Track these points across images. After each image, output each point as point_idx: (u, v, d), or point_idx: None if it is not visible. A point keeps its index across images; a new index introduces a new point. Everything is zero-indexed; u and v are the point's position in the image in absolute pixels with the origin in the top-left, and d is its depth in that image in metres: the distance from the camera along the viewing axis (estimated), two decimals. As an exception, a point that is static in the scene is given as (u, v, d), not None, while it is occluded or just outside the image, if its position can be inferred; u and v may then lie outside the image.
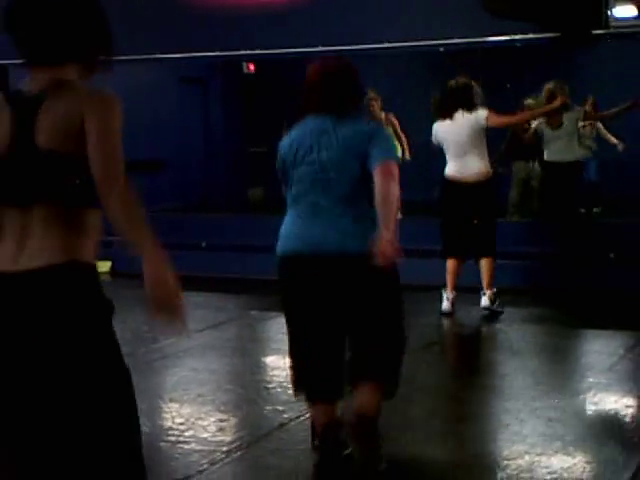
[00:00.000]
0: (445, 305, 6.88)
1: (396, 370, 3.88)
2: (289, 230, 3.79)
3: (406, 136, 10.41)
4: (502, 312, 6.86)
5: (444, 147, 6.84)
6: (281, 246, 3.80)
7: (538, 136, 9.35)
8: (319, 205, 3.72)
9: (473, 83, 6.85)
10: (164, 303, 2.41)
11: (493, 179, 6.91)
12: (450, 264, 6.91)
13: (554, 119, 8.70)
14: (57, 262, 2.35)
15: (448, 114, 6.76)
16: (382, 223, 3.54)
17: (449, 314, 6.87)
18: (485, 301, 6.87)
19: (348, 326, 3.80)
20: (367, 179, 3.64)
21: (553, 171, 8.93)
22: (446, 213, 6.94)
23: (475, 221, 6.83)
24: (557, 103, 7.65)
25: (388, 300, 3.79)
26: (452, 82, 6.85)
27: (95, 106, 2.36)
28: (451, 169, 6.81)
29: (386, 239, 3.47)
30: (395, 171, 3.62)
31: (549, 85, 8.60)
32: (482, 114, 6.69)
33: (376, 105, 10.07)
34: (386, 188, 3.56)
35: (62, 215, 2.37)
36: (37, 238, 2.35)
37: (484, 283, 6.87)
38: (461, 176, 6.75)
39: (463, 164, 6.74)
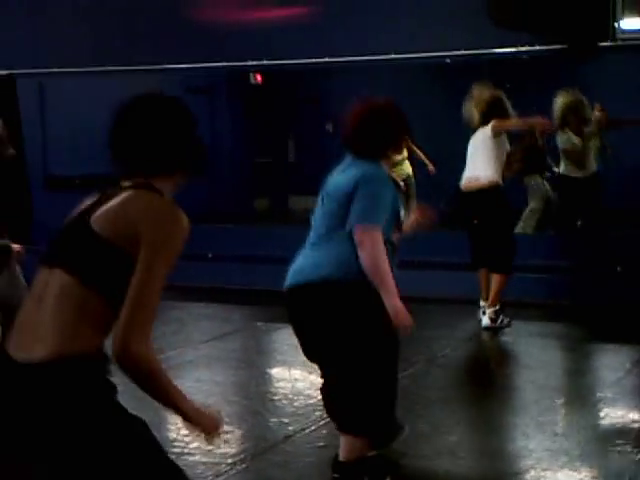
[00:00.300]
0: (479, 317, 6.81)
1: (358, 412, 3.68)
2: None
3: (420, 149, 10.48)
4: (509, 325, 6.77)
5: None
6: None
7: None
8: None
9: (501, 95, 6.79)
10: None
11: (499, 189, 6.76)
12: (480, 274, 6.86)
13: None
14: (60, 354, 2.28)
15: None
16: (381, 293, 3.54)
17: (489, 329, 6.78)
18: (485, 320, 6.79)
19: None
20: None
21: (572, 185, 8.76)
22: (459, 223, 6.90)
23: (481, 231, 6.74)
24: (538, 123, 7.48)
25: (338, 335, 3.62)
26: (485, 94, 6.76)
27: (158, 225, 2.33)
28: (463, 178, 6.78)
29: (392, 311, 3.51)
30: (367, 238, 3.53)
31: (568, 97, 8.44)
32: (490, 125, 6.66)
33: None
34: (365, 260, 3.54)
35: (78, 292, 2.30)
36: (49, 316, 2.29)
37: (489, 299, 6.77)
38: (467, 184, 6.71)
39: (470, 172, 6.71)
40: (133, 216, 2.30)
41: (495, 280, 6.74)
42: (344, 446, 3.73)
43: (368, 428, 3.72)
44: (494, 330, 6.72)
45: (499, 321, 6.75)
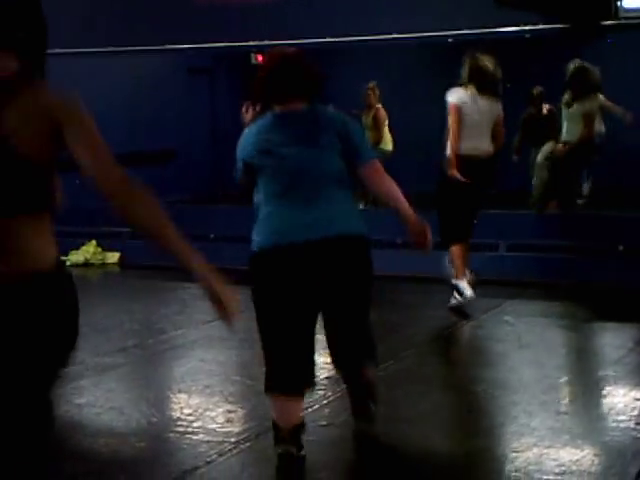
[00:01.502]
0: (468, 292, 6.69)
1: (374, 345, 4.06)
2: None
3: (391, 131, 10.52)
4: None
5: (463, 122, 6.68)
6: (265, 239, 3.82)
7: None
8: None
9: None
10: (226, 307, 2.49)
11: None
12: (457, 250, 6.74)
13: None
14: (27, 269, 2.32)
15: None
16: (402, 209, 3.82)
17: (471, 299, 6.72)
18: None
19: (324, 311, 3.86)
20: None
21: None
22: (451, 197, 6.77)
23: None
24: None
25: (365, 285, 3.90)
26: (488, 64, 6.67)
27: (74, 112, 2.41)
28: (467, 146, 6.69)
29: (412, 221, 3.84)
30: (380, 168, 3.88)
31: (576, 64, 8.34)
32: (499, 110, 6.69)
33: (372, 95, 10.32)
34: (392, 185, 3.88)
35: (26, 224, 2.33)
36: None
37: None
38: (477, 152, 6.68)
39: (479, 143, 6.69)
40: (46, 121, 2.34)
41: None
42: (369, 374, 4.09)
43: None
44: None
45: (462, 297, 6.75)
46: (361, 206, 9.48)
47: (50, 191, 2.37)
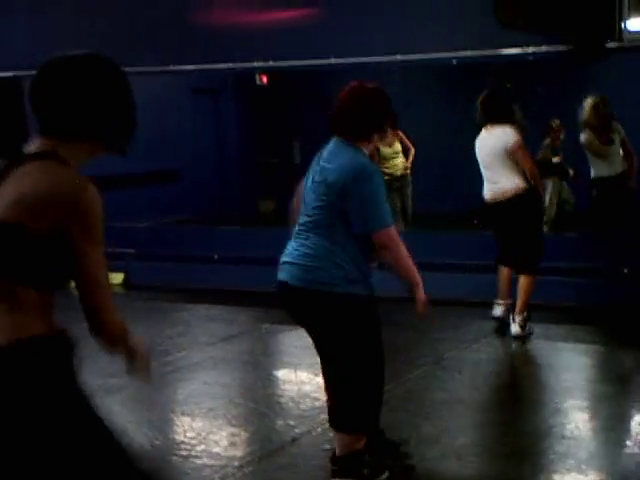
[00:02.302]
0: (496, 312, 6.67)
1: (350, 410, 3.84)
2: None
3: (414, 146, 10.47)
4: (532, 333, 6.62)
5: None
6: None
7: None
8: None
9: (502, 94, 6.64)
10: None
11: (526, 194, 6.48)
12: (500, 273, 6.71)
13: (605, 138, 8.46)
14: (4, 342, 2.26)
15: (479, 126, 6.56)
16: (407, 281, 3.81)
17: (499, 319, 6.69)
18: (514, 328, 6.57)
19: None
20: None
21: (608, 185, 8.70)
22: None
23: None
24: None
25: (336, 338, 3.78)
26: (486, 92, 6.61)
27: (75, 214, 2.24)
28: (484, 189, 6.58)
29: (419, 295, 3.84)
30: (389, 240, 3.72)
31: (592, 100, 8.39)
32: (510, 138, 6.38)
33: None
34: (394, 261, 3.79)
35: (10, 292, 2.27)
36: None
37: (517, 306, 6.58)
38: (490, 197, 6.53)
39: (491, 184, 6.51)
40: (43, 198, 2.22)
41: (523, 282, 6.57)
42: (338, 442, 3.90)
43: (361, 426, 3.87)
44: (523, 339, 6.56)
45: (527, 329, 6.60)
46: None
47: (51, 268, 2.28)
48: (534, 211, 6.62)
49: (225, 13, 9.04)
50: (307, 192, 3.83)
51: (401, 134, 10.45)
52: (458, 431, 4.73)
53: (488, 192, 6.55)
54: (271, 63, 9.06)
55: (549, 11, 7.23)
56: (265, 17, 8.89)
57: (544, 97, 11.27)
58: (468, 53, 8.16)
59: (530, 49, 8.04)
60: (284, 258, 3.81)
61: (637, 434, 4.54)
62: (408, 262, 3.79)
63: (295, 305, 3.78)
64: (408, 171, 10.38)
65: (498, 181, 6.44)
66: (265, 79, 13.83)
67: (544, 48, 7.99)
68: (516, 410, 5.11)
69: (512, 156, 6.35)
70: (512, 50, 8.07)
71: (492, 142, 6.43)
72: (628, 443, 4.40)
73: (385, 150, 10.25)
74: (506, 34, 7.51)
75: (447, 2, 8.10)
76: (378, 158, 10.10)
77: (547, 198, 10.24)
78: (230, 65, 9.25)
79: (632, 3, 7.32)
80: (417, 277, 3.80)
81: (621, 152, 8.42)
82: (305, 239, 3.75)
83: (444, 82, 13.06)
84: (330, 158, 3.79)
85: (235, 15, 8.98)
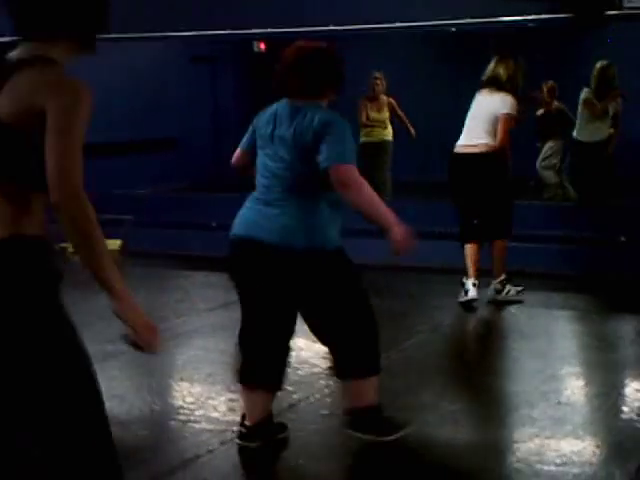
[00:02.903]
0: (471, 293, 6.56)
1: (371, 350, 3.88)
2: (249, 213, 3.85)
3: (406, 115, 10.43)
4: (518, 295, 6.66)
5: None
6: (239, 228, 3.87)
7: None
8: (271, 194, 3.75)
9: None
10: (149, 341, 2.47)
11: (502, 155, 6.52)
12: (467, 249, 6.64)
13: (597, 109, 8.50)
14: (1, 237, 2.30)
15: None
16: (378, 224, 3.62)
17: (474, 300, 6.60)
18: (490, 292, 6.66)
19: (310, 317, 3.87)
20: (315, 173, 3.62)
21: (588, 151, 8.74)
22: (454, 191, 6.71)
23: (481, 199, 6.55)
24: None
25: (340, 291, 3.80)
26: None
27: (61, 92, 2.25)
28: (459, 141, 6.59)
29: (393, 236, 3.57)
30: (348, 176, 3.55)
31: (600, 64, 8.45)
32: (503, 106, 6.41)
33: (380, 85, 10.20)
34: (351, 199, 3.58)
35: (10, 193, 2.32)
36: None
37: (494, 269, 6.66)
38: (465, 148, 6.52)
39: (470, 136, 6.52)
40: (33, 94, 2.25)
41: (496, 248, 6.63)
42: (354, 393, 3.89)
43: (376, 365, 3.89)
44: (499, 303, 6.64)
45: (505, 292, 6.68)
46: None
47: (33, 167, 2.26)
48: (500, 172, 6.52)
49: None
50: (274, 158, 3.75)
51: (393, 101, 10.41)
52: (455, 397, 4.76)
53: (462, 141, 6.56)
54: (269, 30, 9.00)
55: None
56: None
57: (543, 64, 11.20)
58: (467, 21, 8.12)
59: (530, 17, 8.00)
60: None
61: (633, 400, 4.57)
62: (374, 203, 3.60)
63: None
64: (390, 137, 10.34)
65: (476, 136, 6.45)
66: (263, 46, 13.76)
67: (544, 16, 7.96)
68: (512, 376, 5.14)
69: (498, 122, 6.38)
70: (512, 18, 8.03)
71: (490, 103, 6.45)
72: (624, 409, 4.43)
73: (372, 114, 10.22)
74: (506, 2, 7.47)
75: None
76: (365, 120, 10.10)
77: (547, 162, 10.25)
78: (227, 32, 9.20)
79: (632, -29, 7.29)
80: (388, 218, 3.59)
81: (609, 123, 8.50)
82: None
83: (442, 51, 13.01)
84: (290, 120, 3.73)
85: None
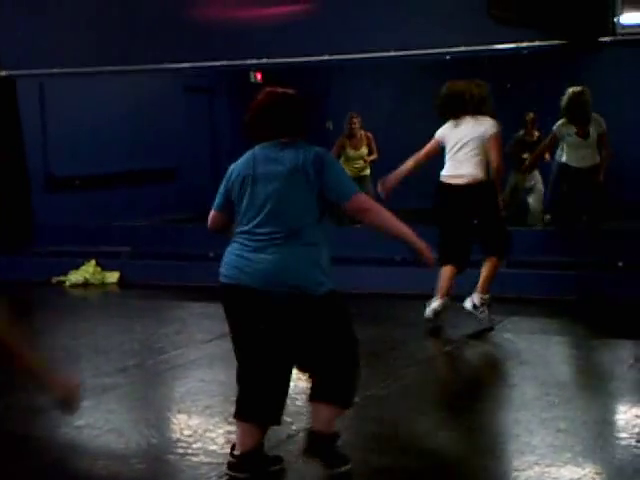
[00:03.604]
0: (428, 310, 6.65)
1: (351, 384, 3.94)
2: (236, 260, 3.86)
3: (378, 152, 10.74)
4: (491, 328, 6.66)
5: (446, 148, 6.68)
6: (227, 275, 3.91)
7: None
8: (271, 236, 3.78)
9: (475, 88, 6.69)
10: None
11: (490, 183, 6.63)
12: (444, 270, 6.67)
13: (582, 131, 8.50)
14: None
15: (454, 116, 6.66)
16: (402, 238, 3.82)
17: (430, 320, 6.67)
18: (467, 302, 6.64)
19: (298, 354, 3.89)
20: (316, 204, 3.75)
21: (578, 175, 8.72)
22: (442, 218, 6.76)
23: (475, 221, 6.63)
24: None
25: (336, 327, 3.84)
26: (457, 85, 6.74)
27: None
28: (447, 171, 6.65)
29: (420, 246, 3.80)
30: (366, 201, 3.82)
31: (571, 91, 8.44)
32: (489, 130, 6.54)
33: (357, 123, 10.59)
34: (374, 221, 3.80)
35: None
36: None
37: (478, 284, 6.66)
38: (455, 179, 6.59)
39: (458, 167, 6.59)
40: None
41: (489, 264, 6.65)
42: (328, 419, 3.91)
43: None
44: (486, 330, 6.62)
45: (480, 311, 6.64)
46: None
47: None
48: (491, 200, 6.64)
49: (219, 10, 9.03)
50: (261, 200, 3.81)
51: (370, 137, 10.72)
52: (454, 426, 4.74)
53: (450, 173, 6.62)
54: (265, 60, 9.06)
55: (542, 6, 7.24)
56: (259, 14, 8.88)
57: (530, 91, 11.30)
58: (462, 49, 8.17)
59: (524, 44, 8.04)
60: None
61: (632, 426, 4.55)
62: (393, 220, 3.80)
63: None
64: (367, 172, 10.66)
65: (461, 167, 6.55)
66: (259, 76, 13.84)
67: (537, 43, 8.01)
68: (511, 404, 5.12)
69: (487, 144, 6.49)
70: (505, 45, 8.08)
71: (471, 129, 6.55)
72: (624, 435, 4.41)
73: (350, 152, 10.57)
74: (500, 29, 7.52)
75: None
76: (343, 158, 10.42)
77: (508, 191, 10.24)
78: (224, 62, 9.25)
79: (625, -3, 7.34)
80: (408, 230, 3.81)
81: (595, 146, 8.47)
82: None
83: (438, 78, 13.07)
84: (277, 158, 3.80)
85: (229, 12, 8.97)
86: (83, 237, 9.73)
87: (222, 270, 3.91)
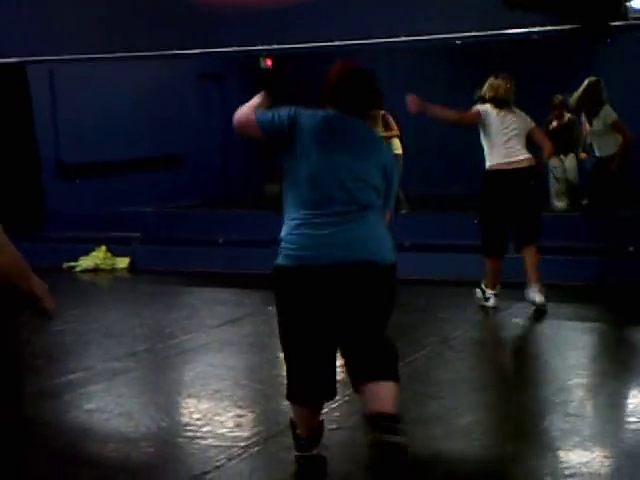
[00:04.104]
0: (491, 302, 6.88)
1: (397, 359, 3.84)
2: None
3: (400, 129, 10.49)
4: (494, 306, 6.86)
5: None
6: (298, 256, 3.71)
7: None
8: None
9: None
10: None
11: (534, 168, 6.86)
12: (489, 262, 6.86)
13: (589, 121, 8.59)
14: None
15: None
16: None
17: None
18: (539, 297, 6.72)
19: (344, 330, 3.73)
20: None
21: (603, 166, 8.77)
22: (494, 206, 6.87)
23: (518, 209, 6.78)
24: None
25: (388, 303, 3.79)
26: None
27: None
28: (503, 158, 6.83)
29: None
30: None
31: (590, 80, 8.54)
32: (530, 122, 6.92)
33: None
34: None
35: None
36: None
37: (531, 276, 6.78)
38: (509, 164, 6.79)
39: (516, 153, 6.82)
40: None
41: (535, 252, 6.82)
42: (391, 398, 3.69)
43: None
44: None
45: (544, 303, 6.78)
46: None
47: None
48: (539, 187, 7.07)
49: (229, -4, 9.01)
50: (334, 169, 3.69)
51: (388, 117, 10.49)
52: (464, 410, 4.74)
53: (505, 159, 6.80)
54: (275, 46, 9.03)
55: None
56: (268, 0, 8.86)
57: (550, 76, 11.23)
58: (472, 33, 8.13)
59: (535, 29, 8.00)
60: None
61: (637, 408, 4.55)
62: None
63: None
64: (398, 151, 10.37)
65: (516, 152, 6.80)
66: (269, 62, 13.80)
67: (549, 27, 7.96)
68: (521, 388, 5.12)
69: (531, 134, 6.88)
70: (517, 30, 8.03)
71: (515, 119, 6.86)
72: (632, 419, 4.41)
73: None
74: (511, 14, 7.47)
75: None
76: None
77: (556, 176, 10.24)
78: (234, 48, 9.23)
79: (637, -19, 7.28)
80: None
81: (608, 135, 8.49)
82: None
83: (448, 64, 13.03)
84: (359, 136, 3.75)
85: (238, -2, 8.95)
86: (94, 223, 9.76)
87: (288, 252, 3.71)
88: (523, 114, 6.92)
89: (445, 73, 13.36)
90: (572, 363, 5.63)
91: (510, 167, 6.76)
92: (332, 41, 8.61)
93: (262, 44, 9.09)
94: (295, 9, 8.62)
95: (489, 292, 6.87)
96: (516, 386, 5.19)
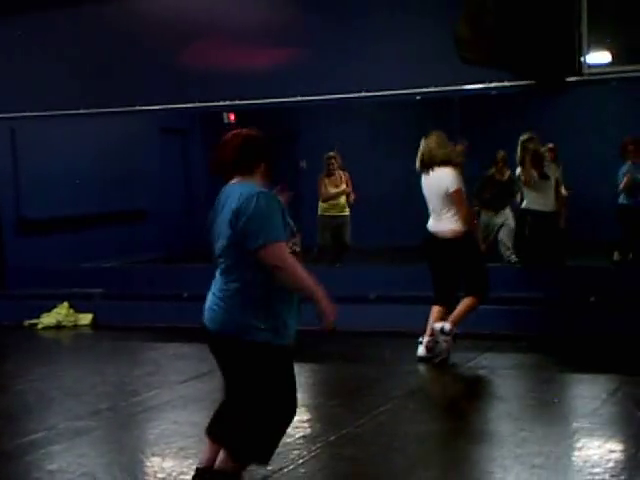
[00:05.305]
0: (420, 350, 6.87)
1: (248, 438, 3.79)
2: None
3: (354, 191, 10.74)
4: (445, 360, 6.80)
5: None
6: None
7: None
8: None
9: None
10: None
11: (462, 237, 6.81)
12: (432, 310, 6.89)
13: (538, 173, 8.73)
14: None
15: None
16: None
17: (424, 359, 6.85)
18: (438, 324, 6.77)
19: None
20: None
21: (541, 219, 8.90)
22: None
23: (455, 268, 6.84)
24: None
25: (250, 376, 3.79)
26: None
27: None
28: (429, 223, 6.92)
29: (322, 310, 3.63)
30: (279, 253, 3.62)
31: (523, 137, 8.74)
32: (450, 182, 6.76)
33: (335, 163, 10.66)
34: (282, 277, 3.64)
35: None
36: None
37: (453, 314, 6.81)
38: (433, 230, 6.87)
39: (434, 220, 6.88)
40: None
41: (469, 303, 6.81)
42: (220, 458, 3.85)
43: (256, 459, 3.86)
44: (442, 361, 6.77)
45: (444, 339, 6.78)
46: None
47: None
48: (469, 250, 6.87)
49: (191, 54, 9.10)
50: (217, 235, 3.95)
51: (346, 176, 10.77)
52: (429, 463, 4.73)
53: (432, 226, 6.93)
54: (237, 102, 9.12)
55: (510, 47, 7.35)
56: (231, 56, 8.96)
57: (507, 131, 11.42)
58: (432, 89, 8.27)
59: (492, 84, 8.17)
60: None
61: (607, 461, 4.57)
62: (303, 278, 3.63)
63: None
64: (347, 211, 10.72)
65: (439, 219, 6.85)
66: (233, 117, 13.90)
67: (506, 83, 8.13)
68: (486, 440, 5.12)
69: (451, 198, 6.76)
70: (474, 85, 8.20)
71: (436, 182, 6.83)
72: (598, 470, 4.42)
73: (331, 189, 10.63)
74: (469, 70, 7.63)
75: (410, 40, 8.21)
76: (324, 195, 10.50)
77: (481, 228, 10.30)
78: (197, 104, 9.30)
79: (591, 37, 7.47)
80: (317, 289, 3.63)
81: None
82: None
83: (409, 117, 13.21)
84: (228, 197, 3.89)
85: (201, 55, 9.04)
86: (56, 279, 9.66)
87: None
88: (444, 173, 6.81)
89: (406, 127, 13.54)
90: (536, 414, 5.64)
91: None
92: (294, 97, 8.73)
93: (225, 100, 9.17)
94: (258, 66, 8.74)
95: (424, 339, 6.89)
96: (481, 438, 5.19)
